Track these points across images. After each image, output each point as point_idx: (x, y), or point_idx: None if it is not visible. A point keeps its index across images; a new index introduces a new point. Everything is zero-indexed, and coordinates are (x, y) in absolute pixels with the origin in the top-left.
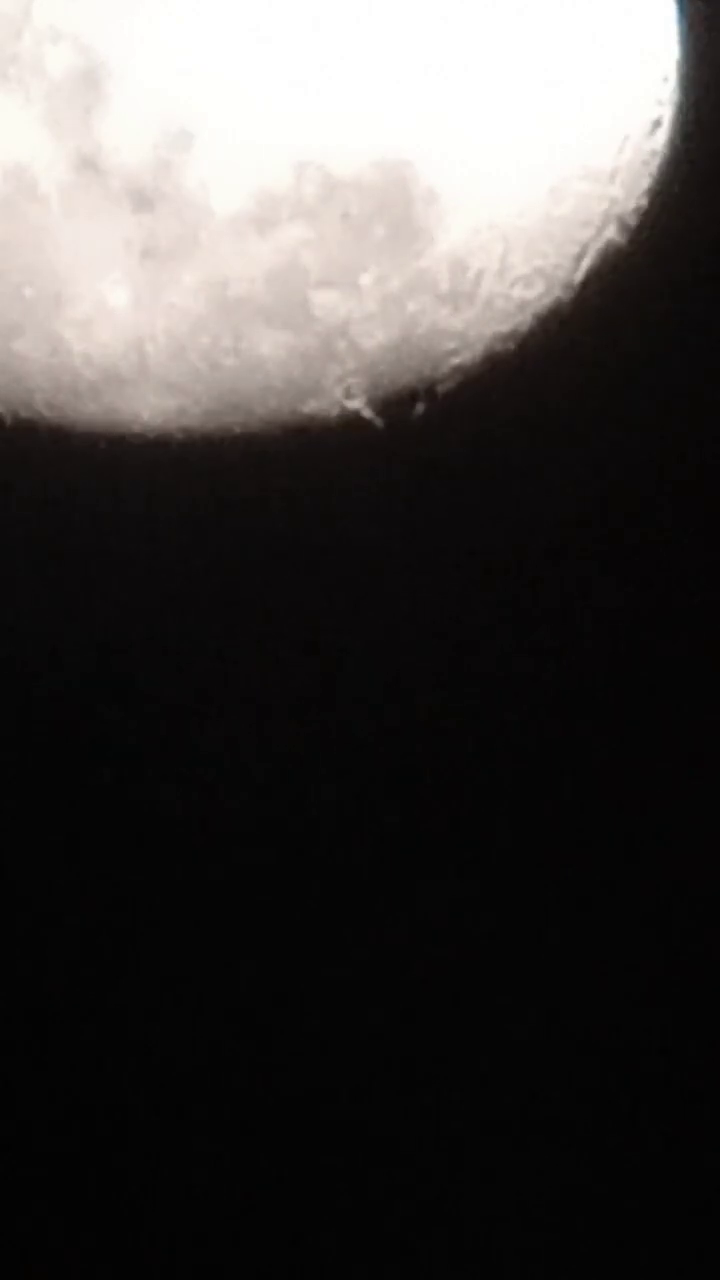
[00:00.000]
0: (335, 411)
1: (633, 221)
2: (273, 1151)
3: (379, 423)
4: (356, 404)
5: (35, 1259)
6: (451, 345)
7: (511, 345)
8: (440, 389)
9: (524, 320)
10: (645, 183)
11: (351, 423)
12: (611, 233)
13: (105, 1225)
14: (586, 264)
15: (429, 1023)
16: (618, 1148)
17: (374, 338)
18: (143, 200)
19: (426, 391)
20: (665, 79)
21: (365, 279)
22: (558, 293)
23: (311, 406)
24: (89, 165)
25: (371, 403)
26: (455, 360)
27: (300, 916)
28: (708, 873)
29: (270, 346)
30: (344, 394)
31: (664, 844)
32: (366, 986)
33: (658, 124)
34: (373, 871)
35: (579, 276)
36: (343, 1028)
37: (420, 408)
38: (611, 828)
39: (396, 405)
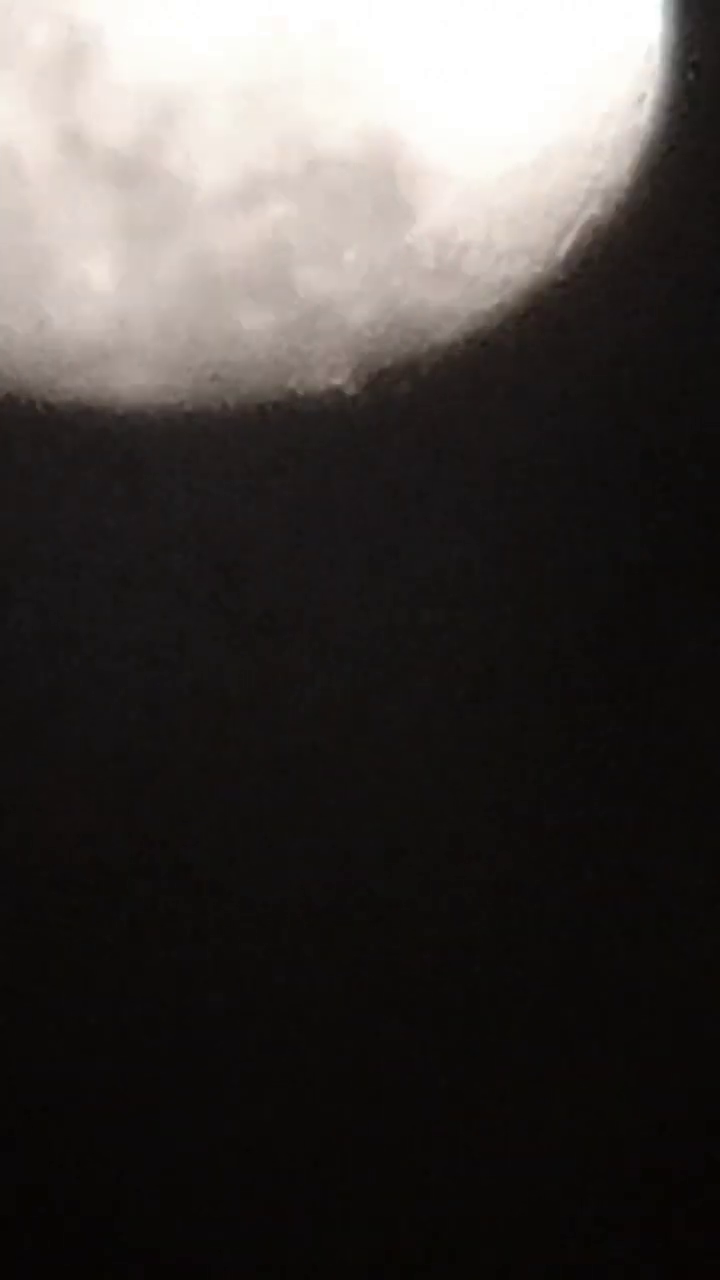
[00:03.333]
0: (320, 387)
1: (617, 197)
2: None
3: (363, 398)
4: (341, 380)
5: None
6: (436, 321)
7: (496, 321)
8: (424, 365)
9: (508, 296)
10: (630, 158)
11: (336, 398)
12: (596, 208)
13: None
14: (571, 239)
15: None
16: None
17: (358, 314)
18: (127, 177)
19: (411, 367)
20: (650, 55)
21: (349, 255)
22: (542, 268)
23: (296, 382)
24: (73, 143)
25: (356, 379)
26: (440, 336)
27: None
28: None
29: (254, 323)
30: (328, 370)
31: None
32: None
33: (642, 99)
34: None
35: (563, 252)
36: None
37: (405, 384)
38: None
39: (381, 381)
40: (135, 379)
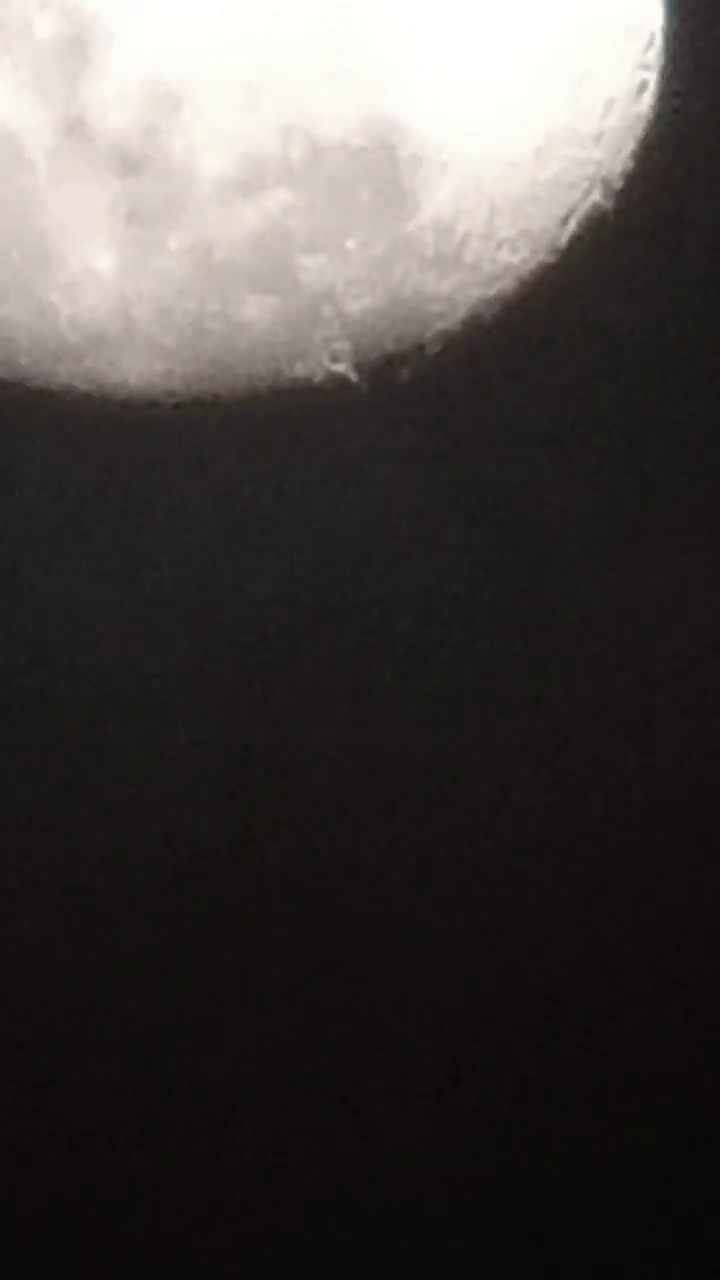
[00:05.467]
0: (321, 375)
1: (618, 185)
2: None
3: (365, 386)
4: (342, 368)
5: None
6: (437, 309)
7: (497, 309)
8: (426, 353)
9: (509, 284)
10: (630, 146)
11: (337, 386)
12: (597, 196)
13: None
14: (572, 227)
15: None
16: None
17: (360, 302)
18: (129, 165)
19: (412, 355)
20: (651, 43)
21: (351, 243)
22: (543, 256)
23: (297, 370)
24: (76, 130)
25: (357, 366)
26: (441, 324)
27: None
28: None
29: (256, 310)
30: (330, 358)
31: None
32: None
33: (643, 88)
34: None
35: (564, 240)
36: None
37: (406, 371)
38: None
39: (382, 369)
40: (137, 366)
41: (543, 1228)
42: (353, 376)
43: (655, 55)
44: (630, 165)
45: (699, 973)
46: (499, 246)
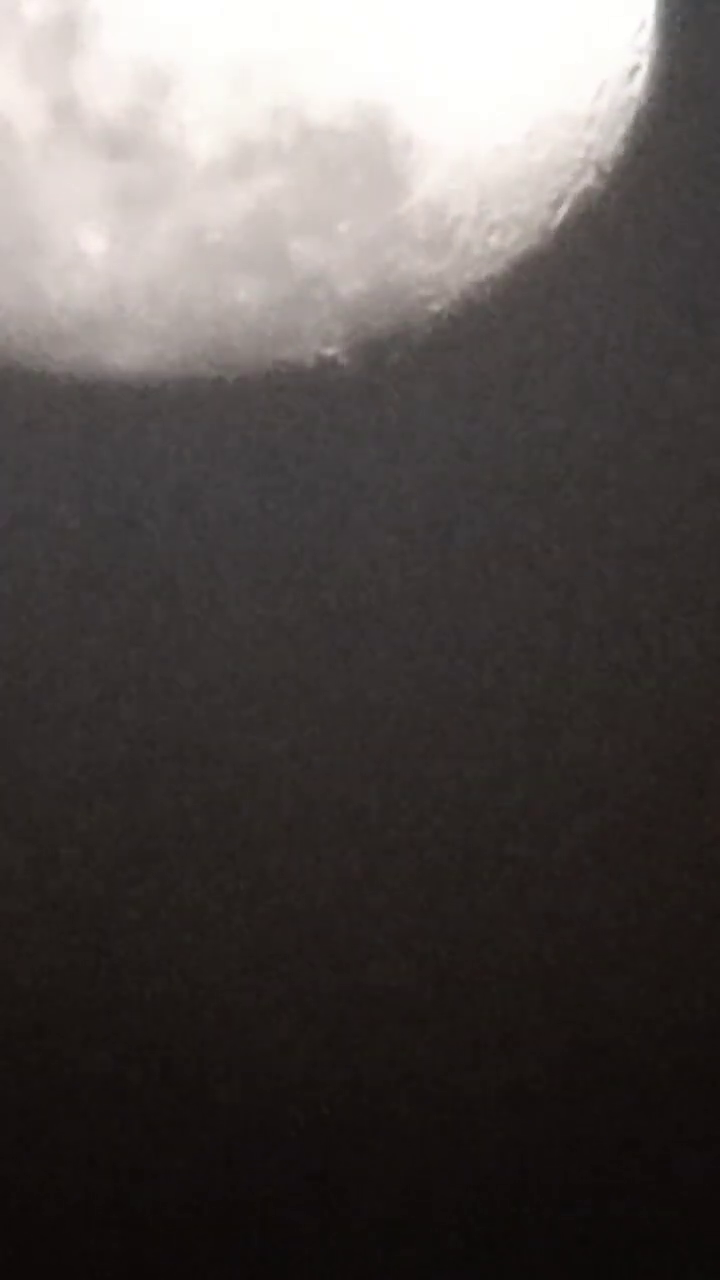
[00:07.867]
0: (312, 358)
1: (610, 168)
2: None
3: (356, 369)
4: (333, 351)
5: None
6: (428, 292)
7: (488, 292)
8: (417, 336)
9: (501, 267)
10: (622, 129)
11: (328, 369)
12: (588, 179)
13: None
14: (564, 211)
15: None
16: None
17: (351, 285)
18: (120, 148)
19: (403, 338)
20: (642, 26)
21: (342, 226)
22: (535, 240)
23: (288, 353)
24: (66, 113)
25: (348, 349)
26: (432, 307)
27: None
28: None
29: (247, 293)
30: (321, 340)
31: None
32: None
33: (635, 70)
34: None
35: (556, 223)
36: None
37: (397, 354)
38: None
39: (373, 352)
40: (127, 350)
41: None
42: (344, 359)
43: (647, 39)
44: (622, 149)
45: None
46: (490, 230)
